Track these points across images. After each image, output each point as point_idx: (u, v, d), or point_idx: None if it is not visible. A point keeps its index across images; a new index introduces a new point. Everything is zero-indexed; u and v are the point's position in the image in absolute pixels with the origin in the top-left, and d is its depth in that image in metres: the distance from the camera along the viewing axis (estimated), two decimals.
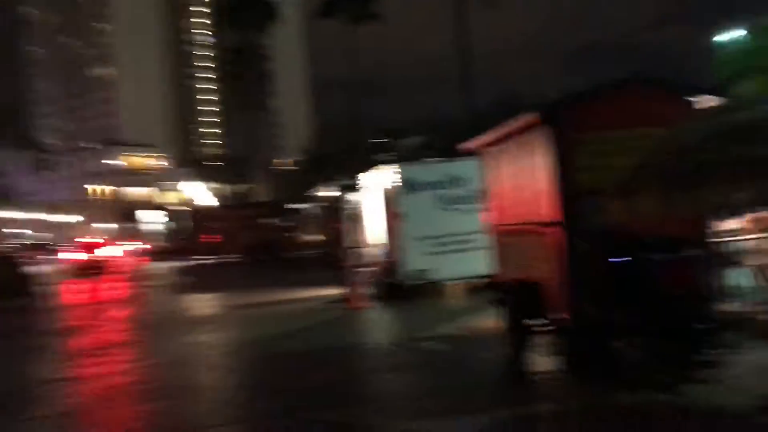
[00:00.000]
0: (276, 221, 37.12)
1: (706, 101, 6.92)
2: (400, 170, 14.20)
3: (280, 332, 11.75)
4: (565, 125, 6.92)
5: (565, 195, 6.91)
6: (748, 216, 9.26)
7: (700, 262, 6.65)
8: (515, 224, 8.31)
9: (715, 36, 22.15)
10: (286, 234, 35.61)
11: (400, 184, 13.96)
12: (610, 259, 6.72)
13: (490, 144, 8.93)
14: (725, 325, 7.40)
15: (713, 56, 17.80)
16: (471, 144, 9.68)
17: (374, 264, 15.62)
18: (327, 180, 34.88)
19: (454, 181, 14.04)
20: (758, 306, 8.23)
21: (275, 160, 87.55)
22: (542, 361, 7.79)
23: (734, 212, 9.22)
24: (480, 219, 11.09)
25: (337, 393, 7.45)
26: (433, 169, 14.34)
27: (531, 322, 7.78)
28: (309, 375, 8.46)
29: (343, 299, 14.37)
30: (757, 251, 8.83)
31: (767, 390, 5.57)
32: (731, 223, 9.31)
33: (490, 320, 9.25)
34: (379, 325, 12.63)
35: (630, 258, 6.57)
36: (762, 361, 7.08)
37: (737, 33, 19.08)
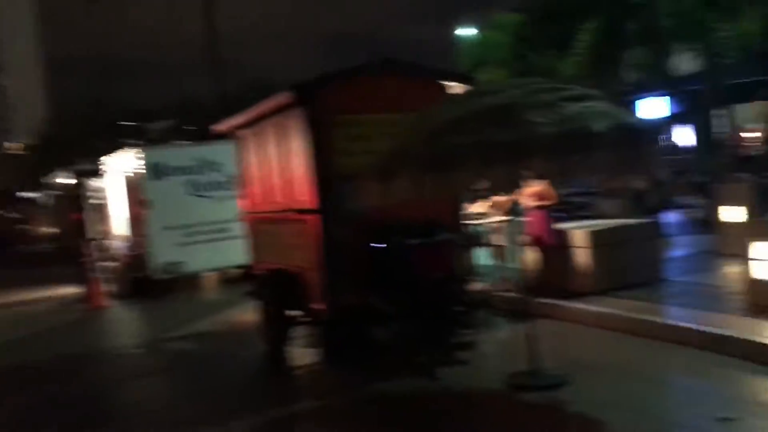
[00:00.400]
0: (3, 212, 32.71)
1: (457, 87, 7.04)
2: (146, 154, 12.97)
3: (1, 342, 10.07)
4: (321, 106, 6.60)
5: (321, 180, 6.61)
6: (491, 200, 9.82)
7: (453, 245, 6.75)
8: (271, 211, 7.86)
9: (456, 31, 23.89)
10: (17, 226, 31.53)
11: (147, 169, 12.76)
12: (367, 246, 6.57)
13: (243, 126, 8.35)
14: (476, 305, 7.69)
15: (456, 49, 18.96)
16: (223, 126, 9.02)
17: (119, 257, 14.21)
18: (66, 165, 31.45)
19: (206, 165, 13.17)
20: (499, 285, 8.72)
21: (3, 144, 77.56)
22: (303, 354, 7.48)
23: (479, 195, 9.73)
24: (235, 206, 10.49)
25: (68, 410, 6.43)
26: (183, 153, 13.30)
27: (289, 313, 7.43)
28: (34, 391, 7.25)
29: (82, 298, 12.82)
30: (496, 233, 9.37)
31: (515, 368, 5.74)
32: (476, 207, 9.80)
33: (247, 313, 8.73)
34: (124, 325, 11.44)
35: (386, 244, 6.47)
36: (506, 338, 7.46)
37: (475, 29, 20.68)
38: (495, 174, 4.83)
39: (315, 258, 6.72)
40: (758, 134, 23.31)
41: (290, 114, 6.89)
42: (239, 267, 12.41)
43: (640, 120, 5.12)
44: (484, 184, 7.97)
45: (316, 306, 6.91)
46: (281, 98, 6.81)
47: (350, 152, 6.67)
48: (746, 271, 6.77)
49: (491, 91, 5.19)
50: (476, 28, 20.24)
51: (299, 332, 7.64)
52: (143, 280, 12.95)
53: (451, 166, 4.74)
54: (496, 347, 7.08)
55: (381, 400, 5.72)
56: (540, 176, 6.03)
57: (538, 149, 4.49)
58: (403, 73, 7.06)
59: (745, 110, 24.48)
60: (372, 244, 6.58)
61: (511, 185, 5.85)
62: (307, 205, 6.74)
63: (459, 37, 23.11)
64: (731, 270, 8.58)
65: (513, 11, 16.83)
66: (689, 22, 12.00)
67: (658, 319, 6.60)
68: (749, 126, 24.45)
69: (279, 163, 7.37)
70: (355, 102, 6.77)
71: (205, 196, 13.21)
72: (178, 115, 42.20)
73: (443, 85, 7.13)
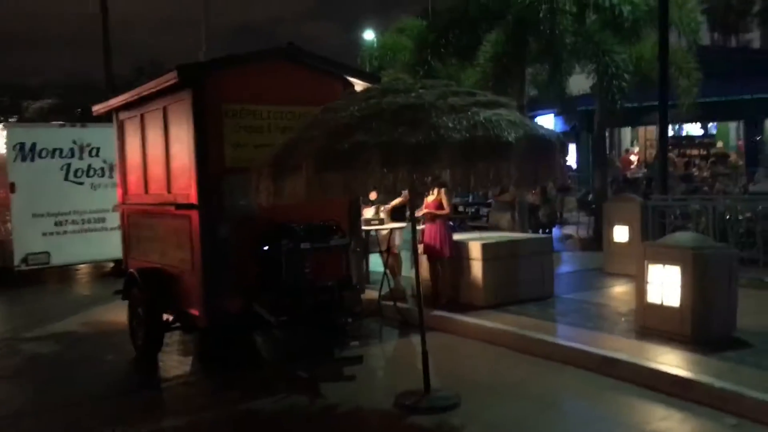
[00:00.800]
0: None
1: (362, 85, 6.64)
2: (11, 132, 11.74)
3: None
4: (211, 91, 6.03)
5: (206, 173, 6.03)
6: (383, 206, 9.49)
7: (348, 250, 6.36)
8: (149, 203, 7.18)
9: (362, 34, 23.72)
10: None
11: (12, 148, 11.54)
12: (255, 248, 6.06)
13: (124, 107, 7.60)
14: (367, 315, 7.34)
15: (359, 51, 18.68)
16: (102, 107, 8.21)
17: None
18: None
19: (84, 149, 12.12)
20: (391, 294, 8.41)
21: None
22: (175, 363, 6.83)
23: (375, 200, 9.34)
24: (114, 195, 9.64)
25: None
26: (58, 134, 12.15)
27: (163, 317, 6.77)
28: None
29: None
30: (391, 240, 9.07)
31: (405, 385, 5.40)
32: (369, 212, 9.42)
33: (119, 314, 7.95)
34: None
35: (275, 246, 5.99)
36: (396, 351, 7.14)
37: (379, 32, 20.55)
38: (398, 178, 4.49)
39: (194, 258, 6.14)
40: (637, 157, 24.55)
41: (176, 97, 6.27)
42: (115, 261, 11.50)
43: (550, 132, 4.90)
44: (383, 188, 7.67)
45: (192, 311, 6.31)
46: (167, 79, 6.16)
47: (241, 144, 6.17)
48: (635, 292, 6.78)
49: (400, 90, 4.82)
50: (380, 31, 20.03)
51: (173, 338, 7.01)
52: (3, 271, 11.75)
53: (352, 165, 4.35)
54: (386, 362, 6.74)
55: (258, 418, 5.21)
56: (443, 184, 5.74)
57: (446, 155, 4.17)
58: (306, 64, 6.60)
59: (628, 133, 25.77)
60: (260, 246, 6.08)
61: (414, 190, 5.51)
62: (189, 200, 6.14)
63: (363, 40, 22.86)
64: (619, 289, 8.69)
65: (418, 17, 16.71)
66: (589, 42, 12.21)
67: (551, 339, 6.46)
68: (631, 149, 25.73)
69: (161, 151, 6.71)
70: (251, 90, 6.26)
71: (81, 183, 12.16)
72: (65, 94, 39.48)
73: (348, 81, 6.72)
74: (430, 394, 5.19)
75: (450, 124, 4.26)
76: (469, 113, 4.44)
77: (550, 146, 4.71)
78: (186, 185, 6.24)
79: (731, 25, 34.21)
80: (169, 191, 6.60)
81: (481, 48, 12.72)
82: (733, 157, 21.34)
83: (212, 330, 6.38)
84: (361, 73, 7.08)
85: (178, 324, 6.75)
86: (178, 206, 6.35)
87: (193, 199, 6.10)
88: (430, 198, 7.96)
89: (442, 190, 7.73)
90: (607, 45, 12.17)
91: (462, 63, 13.96)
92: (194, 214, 6.12)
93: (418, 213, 8.04)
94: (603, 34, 12.33)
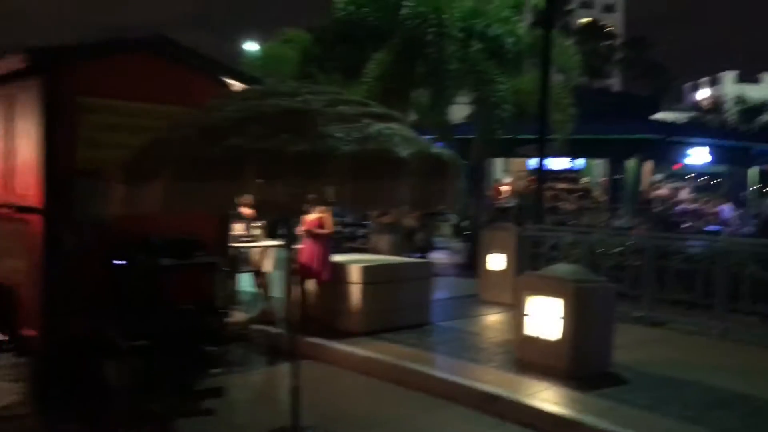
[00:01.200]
0: None
1: (239, 87, 6.09)
2: None
3: None
4: (65, 81, 5.27)
5: (53, 173, 5.26)
6: (256, 222, 8.87)
7: (213, 269, 5.75)
8: None
9: (242, 43, 22.94)
10: None
11: None
12: (106, 261, 5.33)
13: None
14: (232, 341, 6.73)
15: (240, 61, 17.98)
16: None
17: None
18: None
19: None
20: (260, 317, 7.85)
21: None
22: (2, 391, 5.88)
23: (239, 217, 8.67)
24: None
25: None
26: None
27: None
28: None
29: None
30: (263, 258, 8.52)
31: (270, 421, 4.85)
32: (239, 228, 8.76)
33: None
34: None
35: (131, 261, 5.30)
36: (264, 381, 6.58)
37: (262, 43, 19.94)
38: (275, 190, 3.99)
39: (32, 270, 5.32)
40: (509, 187, 25.27)
41: (23, 85, 5.45)
42: None
43: (446, 152, 4.56)
44: (255, 200, 7.05)
45: (27, 331, 5.45)
46: (11, 62, 5.32)
47: (97, 144, 5.44)
48: (512, 324, 6.62)
49: (284, 93, 4.31)
50: (264, 41, 19.41)
51: (2, 362, 6.06)
52: None
53: (222, 174, 3.77)
54: (252, 394, 6.14)
55: None
56: (326, 201, 5.29)
57: (333, 168, 3.72)
58: (177, 59, 5.96)
59: (499, 163, 26.51)
60: (112, 261, 5.36)
61: (293, 205, 5.01)
62: (30, 202, 5.34)
63: (243, 50, 22.04)
64: (495, 318, 8.59)
65: (306, 30, 16.27)
66: (473, 69, 12.27)
67: (430, 371, 6.13)
68: (502, 179, 26.48)
69: (1, 146, 5.82)
70: (112, 83, 5.55)
71: None
72: None
73: (224, 82, 6.14)
74: (300, 431, 4.68)
75: (339, 135, 3.82)
76: (360, 124, 4.03)
77: (444, 167, 4.37)
78: (29, 186, 5.43)
79: (596, 70, 36.65)
80: (7, 191, 5.72)
81: (368, 66, 12.51)
82: (596, 192, 22.40)
83: (51, 354, 5.52)
84: (241, 74, 6.49)
85: (8, 346, 5.83)
86: (18, 209, 5.50)
87: (36, 201, 5.30)
88: (311, 216, 7.48)
89: (324, 208, 7.28)
90: (490, 74, 12.29)
91: (347, 80, 13.68)
92: (36, 219, 5.32)
93: (297, 231, 7.54)
94: (487, 63, 12.45)
